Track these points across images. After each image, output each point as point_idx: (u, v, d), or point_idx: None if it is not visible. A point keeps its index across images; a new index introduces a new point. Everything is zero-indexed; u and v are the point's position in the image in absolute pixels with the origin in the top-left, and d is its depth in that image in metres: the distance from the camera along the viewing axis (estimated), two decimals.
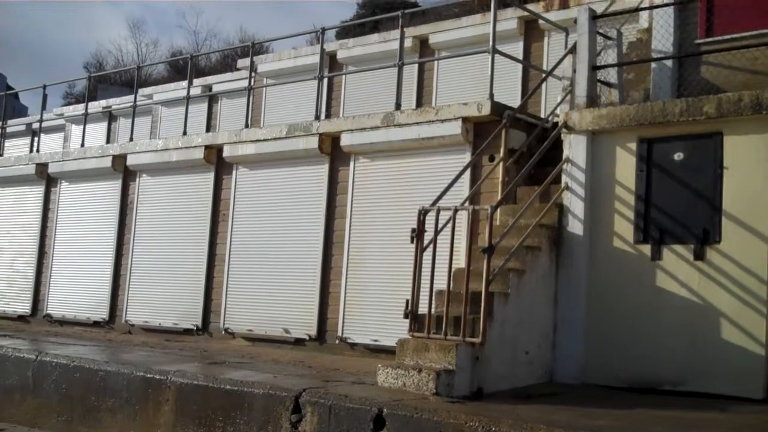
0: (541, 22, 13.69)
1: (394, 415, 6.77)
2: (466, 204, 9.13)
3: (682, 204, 8.84)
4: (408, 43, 14.70)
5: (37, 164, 16.62)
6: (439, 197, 8.69)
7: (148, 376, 8.73)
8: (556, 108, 10.58)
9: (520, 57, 13.71)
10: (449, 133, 10.74)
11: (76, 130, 21.63)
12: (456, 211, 8.42)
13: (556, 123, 10.13)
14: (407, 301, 8.35)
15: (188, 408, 8.26)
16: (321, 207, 12.26)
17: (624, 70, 10.68)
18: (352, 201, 11.94)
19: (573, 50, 10.23)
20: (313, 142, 12.26)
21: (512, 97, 12.94)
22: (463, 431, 6.40)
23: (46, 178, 16.53)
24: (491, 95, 10.54)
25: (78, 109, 22.64)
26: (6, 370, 10.21)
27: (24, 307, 16.40)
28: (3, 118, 20.52)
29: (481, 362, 7.90)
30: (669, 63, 10.52)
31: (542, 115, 11.83)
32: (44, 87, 18.22)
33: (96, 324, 15.05)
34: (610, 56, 10.44)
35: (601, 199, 9.31)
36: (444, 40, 15.44)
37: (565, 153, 9.56)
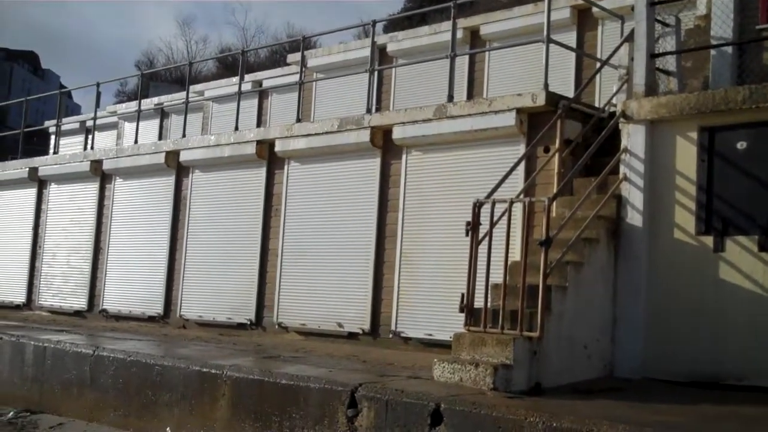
0: (595, 10, 13.46)
1: (452, 411, 6.67)
2: (522, 196, 8.98)
3: (746, 194, 8.58)
4: (459, 34, 14.53)
5: (92, 161, 16.83)
6: (494, 189, 8.55)
7: (204, 370, 8.75)
8: (612, 97, 10.36)
9: (574, 46, 13.49)
10: (503, 125, 10.60)
11: (129, 127, 21.91)
12: (512, 203, 8.28)
13: (613, 113, 9.93)
14: (462, 294, 8.22)
15: (244, 402, 8.26)
16: (373, 201, 12.19)
17: (682, 57, 10.42)
18: (404, 194, 11.85)
19: (630, 38, 10.00)
20: (364, 136, 12.20)
21: (565, 87, 12.76)
22: (522, 427, 6.28)
23: (101, 174, 16.72)
24: (546, 85, 10.38)
25: (130, 106, 22.94)
26: (64, 365, 10.34)
27: (80, 302, 16.62)
28: (58, 117, 20.84)
29: (539, 357, 7.76)
30: (729, 50, 10.22)
31: (597, 105, 11.61)
32: (98, 85, 18.46)
33: (151, 319, 15.20)
34: (668, 44, 10.19)
35: (660, 190, 9.08)
36: (495, 31, 15.28)
37: (623, 143, 9.35)
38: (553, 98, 10.23)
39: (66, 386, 10.27)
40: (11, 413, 10.21)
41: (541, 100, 10.25)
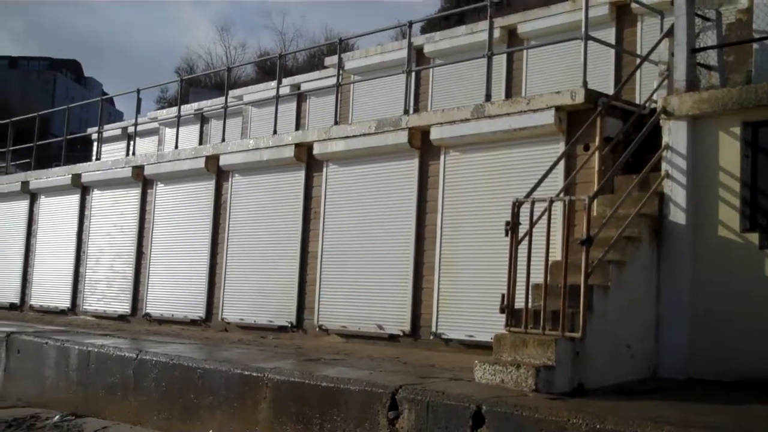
0: (633, 6, 13.31)
1: (494, 412, 6.62)
2: (562, 195, 8.89)
3: None
4: (496, 33, 14.47)
5: (134, 167, 17.01)
6: (534, 188, 8.47)
7: (246, 373, 8.78)
8: (653, 94, 10.22)
9: (613, 43, 13.34)
10: (542, 123, 10.52)
11: (169, 132, 22.13)
12: (551, 202, 8.19)
13: (654, 109, 9.79)
14: (503, 295, 8.15)
15: (285, 405, 8.27)
16: (412, 202, 12.16)
17: (723, 52, 10.25)
18: (443, 195, 11.81)
19: (670, 33, 9.88)
20: (402, 137, 12.17)
21: (605, 85, 12.63)
22: (565, 429, 6.21)
23: (142, 180, 16.90)
24: (585, 83, 10.28)
25: (171, 112, 23.13)
26: (108, 368, 10.44)
27: (124, 306, 16.80)
28: (100, 124, 21.11)
29: (582, 357, 7.66)
30: None
31: (637, 102, 11.47)
32: (138, 91, 18.64)
33: (193, 322, 15.31)
34: (709, 38, 10.02)
35: (704, 187, 8.93)
36: (533, 29, 15.20)
37: (665, 140, 9.21)
38: (592, 96, 10.12)
39: (110, 390, 10.37)
40: (57, 417, 10.34)
41: (580, 98, 10.14)
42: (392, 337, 12.13)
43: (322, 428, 7.88)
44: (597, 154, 9.63)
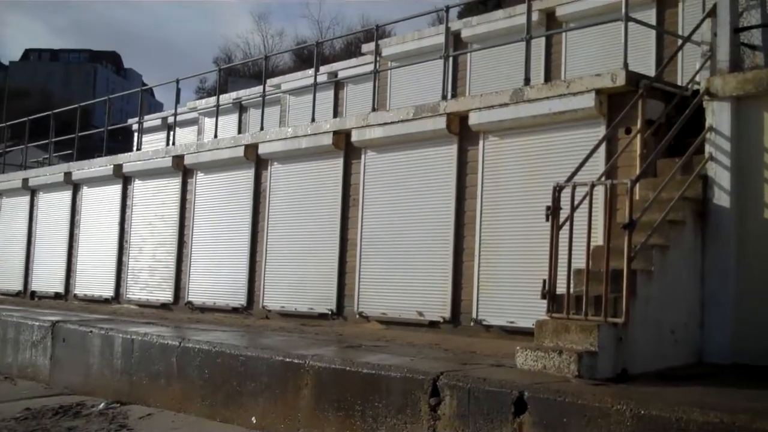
0: None
1: (536, 399, 6.57)
2: (603, 179, 8.78)
3: None
4: (534, 16, 14.32)
5: (174, 157, 17.14)
6: (575, 173, 8.36)
7: (287, 360, 8.80)
8: (695, 75, 10.04)
9: (654, 24, 13.14)
10: (582, 107, 10.39)
11: (208, 122, 22.29)
12: (593, 186, 8.08)
13: (696, 91, 9.63)
14: (544, 281, 8.07)
15: (327, 392, 8.29)
16: (451, 188, 12.11)
17: None
18: (482, 180, 11.74)
19: (712, 13, 9.68)
20: (440, 123, 12.11)
21: (646, 67, 12.45)
22: (609, 415, 6.14)
23: (183, 169, 17.02)
24: (625, 65, 10.13)
25: (210, 102, 23.28)
26: (151, 356, 10.55)
27: (166, 295, 16.97)
28: (140, 114, 21.30)
29: (625, 343, 7.58)
30: None
31: (679, 84, 11.29)
32: (177, 81, 18.77)
33: (235, 310, 15.42)
34: (753, 17, 9.81)
35: (749, 169, 8.77)
36: (572, 12, 15.03)
37: (708, 121, 9.06)
38: (633, 78, 9.98)
39: (154, 377, 10.48)
40: (102, 404, 10.47)
41: (621, 80, 10.00)
42: (432, 324, 12.11)
43: (364, 415, 7.89)
44: (639, 137, 9.50)
